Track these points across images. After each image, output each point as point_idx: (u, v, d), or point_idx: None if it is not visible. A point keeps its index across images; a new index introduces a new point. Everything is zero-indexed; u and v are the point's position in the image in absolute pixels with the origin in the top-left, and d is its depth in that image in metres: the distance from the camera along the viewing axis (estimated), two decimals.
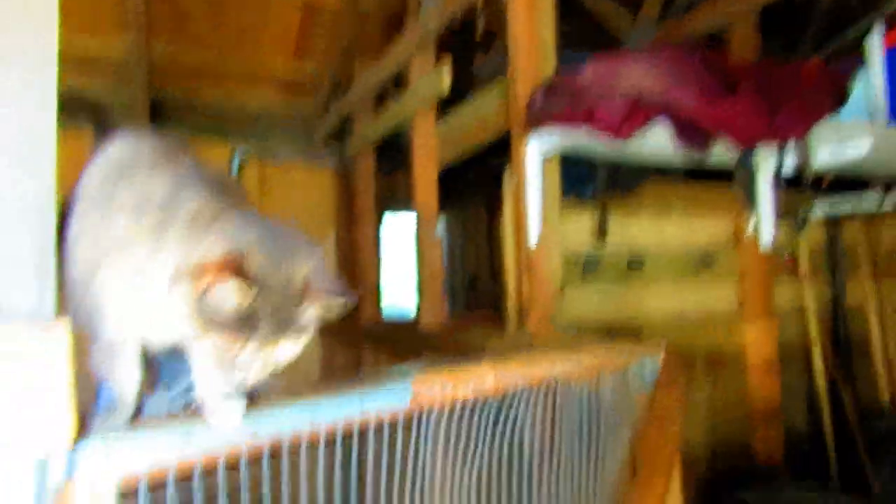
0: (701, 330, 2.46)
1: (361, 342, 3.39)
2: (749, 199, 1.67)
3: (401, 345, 2.88)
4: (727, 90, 1.50)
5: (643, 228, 2.37)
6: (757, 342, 2.49)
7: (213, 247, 0.70)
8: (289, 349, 0.75)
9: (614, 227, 2.25)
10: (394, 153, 3.63)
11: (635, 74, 1.50)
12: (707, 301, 2.49)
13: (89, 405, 0.72)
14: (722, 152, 1.71)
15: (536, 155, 1.98)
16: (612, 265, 2.31)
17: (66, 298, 0.73)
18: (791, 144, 1.71)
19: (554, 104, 1.73)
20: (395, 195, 3.98)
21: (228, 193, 0.82)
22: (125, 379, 0.75)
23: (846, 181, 2.65)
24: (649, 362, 1.57)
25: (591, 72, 1.60)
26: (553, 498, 1.31)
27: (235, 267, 0.66)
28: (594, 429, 1.45)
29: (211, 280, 0.66)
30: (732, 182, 1.94)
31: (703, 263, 2.47)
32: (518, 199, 2.04)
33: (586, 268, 2.26)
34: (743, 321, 2.53)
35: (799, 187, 2.66)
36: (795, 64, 1.83)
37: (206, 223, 0.73)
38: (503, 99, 2.17)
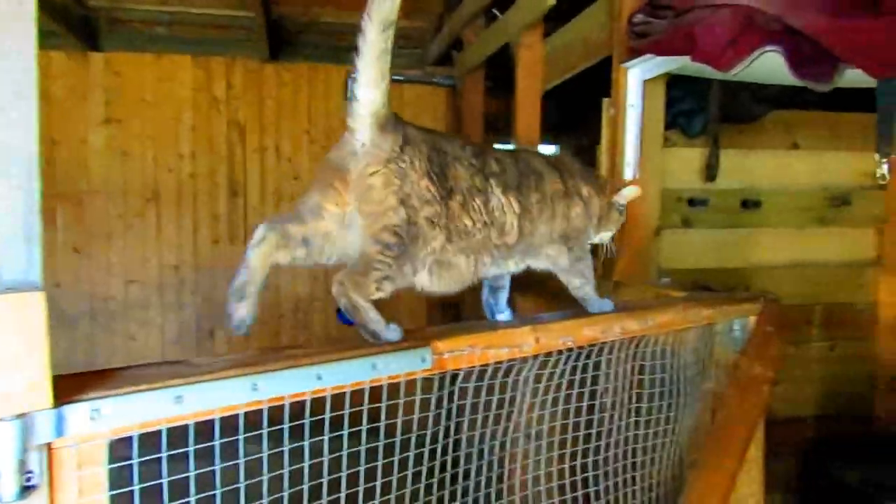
0: (823, 283, 2.19)
1: None
2: (883, 132, 1.40)
3: None
4: (865, 6, 1.23)
5: (763, 164, 2.10)
6: (892, 298, 2.19)
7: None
8: None
9: (728, 163, 2.02)
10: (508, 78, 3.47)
11: None
12: (835, 249, 2.20)
13: None
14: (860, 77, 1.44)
15: (637, 80, 1.80)
16: (722, 206, 2.08)
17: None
18: None
19: (656, 26, 1.53)
20: (508, 124, 3.84)
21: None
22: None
23: None
24: (738, 324, 1.43)
25: None
26: (627, 447, 1.29)
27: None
28: (671, 386, 1.37)
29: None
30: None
31: (834, 205, 2.16)
32: (616, 129, 1.87)
33: (692, 209, 2.06)
34: (879, 274, 2.21)
35: None
36: None
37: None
38: (607, 17, 1.96)
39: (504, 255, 1.03)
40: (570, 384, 1.15)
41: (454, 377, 0.95)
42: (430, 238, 0.90)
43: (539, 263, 1.13)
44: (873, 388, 2.22)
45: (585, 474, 1.18)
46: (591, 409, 1.22)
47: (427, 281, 0.94)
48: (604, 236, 1.22)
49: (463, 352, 0.93)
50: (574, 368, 1.14)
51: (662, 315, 1.23)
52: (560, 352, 1.09)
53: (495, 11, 2.80)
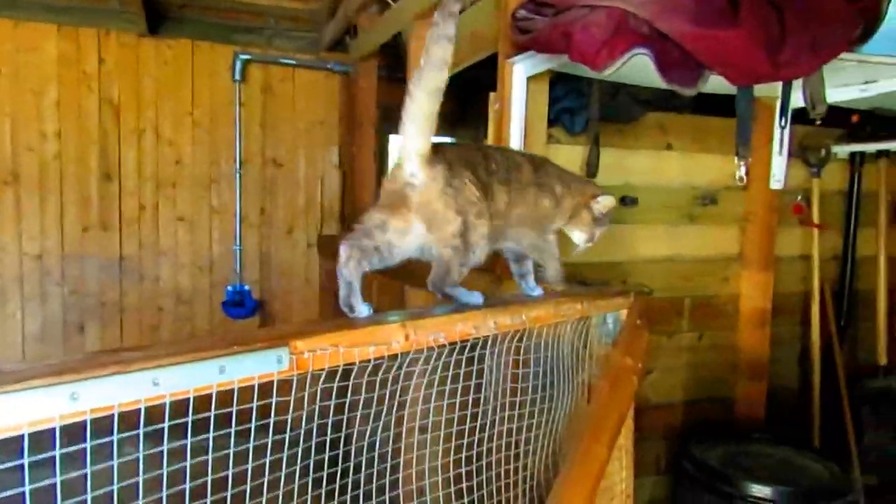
0: (692, 277, 2.32)
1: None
2: (741, 139, 1.49)
3: (389, 271, 2.81)
4: (728, 16, 1.30)
5: (640, 163, 2.20)
6: (752, 292, 2.36)
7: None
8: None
9: (607, 161, 2.09)
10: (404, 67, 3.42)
11: None
12: (704, 245, 2.34)
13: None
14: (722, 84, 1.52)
15: (522, 75, 1.81)
16: None
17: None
18: (798, 81, 1.51)
19: (537, 22, 1.54)
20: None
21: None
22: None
23: (876, 119, 2.42)
24: (611, 317, 1.48)
25: None
26: (510, 439, 1.31)
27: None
28: (549, 379, 1.40)
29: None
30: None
31: (702, 204, 2.30)
32: (501, 123, 1.88)
33: None
34: (741, 269, 2.38)
35: (822, 124, 2.44)
36: None
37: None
38: (494, 12, 1.97)
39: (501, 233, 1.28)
40: (454, 378, 1.15)
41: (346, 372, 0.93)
42: (481, 227, 1.18)
43: (508, 243, 1.33)
44: (735, 373, 2.39)
45: (469, 467, 1.18)
46: (472, 402, 1.22)
47: (481, 257, 1.22)
48: (577, 235, 1.37)
49: (325, 350, 0.88)
50: (458, 362, 1.14)
51: (536, 310, 1.24)
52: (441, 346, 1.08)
53: None
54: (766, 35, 1.31)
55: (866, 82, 1.84)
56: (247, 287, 3.88)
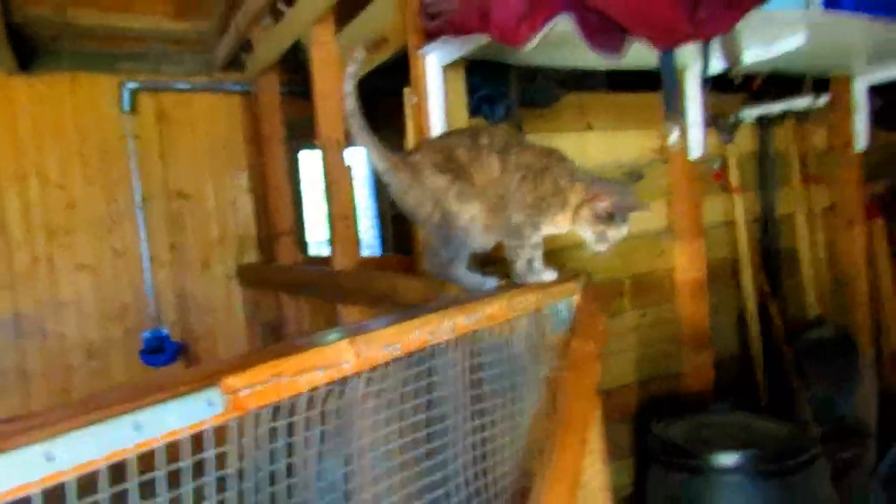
0: (628, 255, 2.30)
1: (280, 289, 3.15)
2: (670, 105, 1.46)
3: (318, 292, 2.66)
4: None
5: (563, 145, 2.11)
6: (685, 263, 2.37)
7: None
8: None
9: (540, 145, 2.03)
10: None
11: None
12: (635, 222, 2.31)
13: None
14: (646, 54, 1.49)
15: (436, 66, 1.72)
16: None
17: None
18: (716, 41, 1.50)
19: (448, 3, 1.46)
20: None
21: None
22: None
23: (777, 82, 2.50)
24: (564, 304, 1.41)
25: None
26: (476, 446, 1.19)
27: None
28: (509, 375, 1.31)
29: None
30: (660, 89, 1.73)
31: (633, 180, 2.29)
32: (420, 117, 1.79)
33: None
34: (672, 241, 2.38)
35: (726, 92, 2.49)
36: None
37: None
38: (398, 3, 1.87)
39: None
40: (413, 395, 1.04)
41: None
42: (465, 211, 1.26)
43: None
44: (680, 346, 2.39)
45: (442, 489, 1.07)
46: (431, 418, 1.11)
47: (479, 239, 1.31)
48: (585, 234, 1.32)
49: (265, 384, 0.75)
50: (416, 377, 1.03)
51: (490, 306, 1.15)
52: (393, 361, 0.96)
53: (281, 7, 2.60)
54: None
55: (768, 42, 1.86)
56: (165, 331, 3.59)
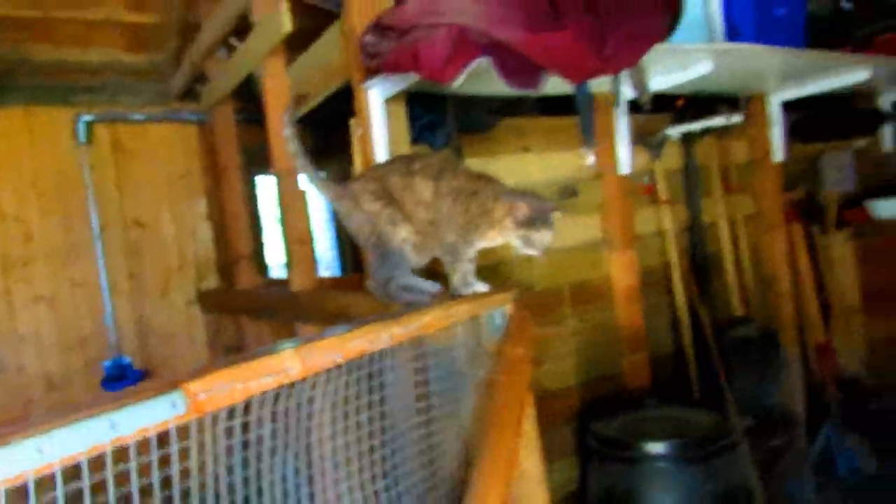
0: (567, 266, 2.48)
1: (240, 313, 3.24)
2: (586, 131, 1.64)
3: (277, 313, 2.77)
4: (554, 21, 1.43)
5: (503, 168, 2.32)
6: (620, 271, 2.56)
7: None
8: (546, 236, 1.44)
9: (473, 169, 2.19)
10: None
11: (458, 5, 1.40)
12: (572, 235, 2.51)
13: None
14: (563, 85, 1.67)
15: (379, 98, 1.87)
16: None
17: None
18: (626, 72, 1.69)
19: (385, 46, 1.61)
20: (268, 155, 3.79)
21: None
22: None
23: (698, 101, 2.72)
24: (499, 313, 1.56)
25: (414, 4, 1.48)
26: (422, 449, 1.33)
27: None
28: (449, 378, 1.45)
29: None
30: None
31: (564, 197, 2.47)
32: (365, 147, 1.93)
33: None
34: (607, 251, 2.57)
35: (655, 112, 2.71)
36: None
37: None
38: (343, 40, 2.02)
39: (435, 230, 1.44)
40: (358, 400, 1.17)
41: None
42: (398, 233, 1.41)
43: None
44: (619, 349, 2.57)
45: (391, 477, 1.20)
46: (381, 424, 1.24)
47: (413, 257, 1.46)
48: (514, 241, 1.46)
49: (222, 388, 0.87)
50: (360, 384, 1.16)
51: (426, 316, 1.29)
52: (336, 368, 1.09)
53: (233, 42, 2.72)
54: (590, 34, 1.46)
55: (682, 69, 2.07)
56: (127, 359, 3.62)
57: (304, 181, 1.59)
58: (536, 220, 1.40)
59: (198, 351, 3.85)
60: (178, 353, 3.81)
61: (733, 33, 2.01)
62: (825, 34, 2.99)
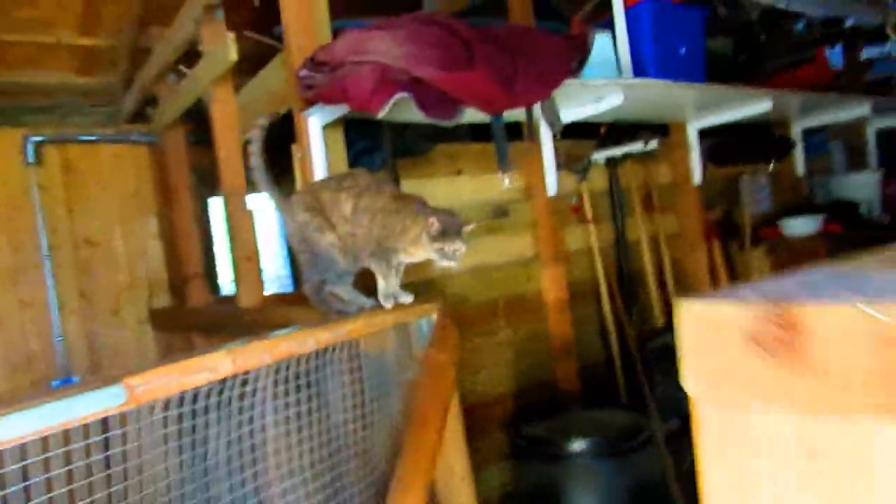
0: (501, 280, 2.66)
1: (191, 330, 3.32)
2: (500, 156, 1.83)
3: (226, 329, 2.86)
4: (466, 62, 1.61)
5: (437, 190, 2.50)
6: (551, 285, 2.75)
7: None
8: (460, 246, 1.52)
9: (408, 191, 2.35)
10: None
11: (381, 46, 1.57)
12: (505, 252, 2.70)
13: None
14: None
15: (317, 125, 2.03)
16: None
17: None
18: (539, 105, 1.88)
19: (318, 79, 1.77)
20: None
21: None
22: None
23: (622, 129, 2.96)
24: (425, 321, 1.72)
25: (342, 44, 1.65)
26: (355, 441, 1.48)
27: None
28: (378, 378, 1.60)
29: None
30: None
31: (496, 217, 2.66)
32: (305, 171, 2.08)
33: None
34: (539, 267, 2.77)
35: (583, 138, 2.93)
36: (533, 30, 1.99)
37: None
38: (285, 71, 2.17)
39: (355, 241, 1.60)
40: (298, 400, 1.31)
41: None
42: (325, 238, 1.60)
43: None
44: (551, 357, 2.76)
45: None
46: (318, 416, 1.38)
47: (340, 261, 1.64)
48: (432, 254, 1.54)
49: (159, 382, 1.00)
50: (298, 386, 1.30)
51: (351, 324, 1.44)
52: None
53: (182, 68, 2.84)
54: (499, 73, 1.64)
55: (596, 101, 2.28)
56: (76, 378, 3.64)
57: (259, 197, 1.72)
58: (449, 232, 1.49)
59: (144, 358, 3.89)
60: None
61: (640, 70, 2.23)
62: (742, 68, 3.29)
